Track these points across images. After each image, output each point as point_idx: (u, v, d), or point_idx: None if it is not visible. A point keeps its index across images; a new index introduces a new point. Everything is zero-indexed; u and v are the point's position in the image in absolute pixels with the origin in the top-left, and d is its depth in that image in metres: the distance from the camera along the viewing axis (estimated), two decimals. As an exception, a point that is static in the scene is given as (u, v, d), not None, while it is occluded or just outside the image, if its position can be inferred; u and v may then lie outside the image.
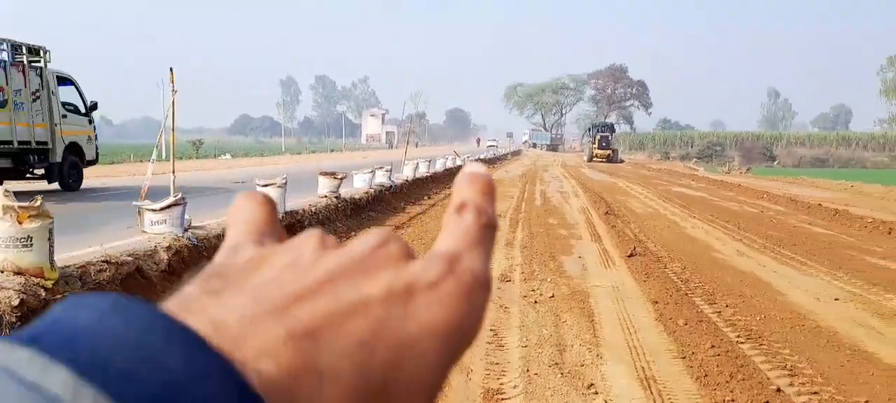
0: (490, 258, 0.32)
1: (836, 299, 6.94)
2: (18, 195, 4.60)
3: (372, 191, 14.32)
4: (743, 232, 11.98)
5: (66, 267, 5.13)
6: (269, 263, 0.29)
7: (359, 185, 14.33)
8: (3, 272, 4.49)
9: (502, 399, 4.26)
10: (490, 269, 0.31)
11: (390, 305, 0.27)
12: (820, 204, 16.51)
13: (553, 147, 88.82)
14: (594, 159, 52.56)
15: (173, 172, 7.26)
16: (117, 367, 0.20)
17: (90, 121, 14.97)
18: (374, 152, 64.59)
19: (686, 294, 7.02)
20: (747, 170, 45.05)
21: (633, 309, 6.37)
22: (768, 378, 4.52)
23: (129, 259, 5.59)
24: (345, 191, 12.82)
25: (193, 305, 0.25)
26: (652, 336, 5.54)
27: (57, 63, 13.77)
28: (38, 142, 12.85)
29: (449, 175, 25.08)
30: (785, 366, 4.80)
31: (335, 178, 12.34)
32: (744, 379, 4.46)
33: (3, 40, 12.24)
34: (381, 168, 16.03)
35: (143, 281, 5.65)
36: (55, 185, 13.62)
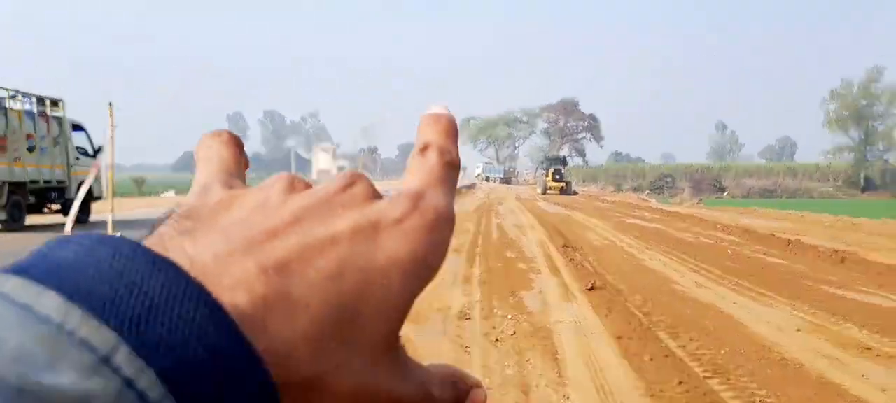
0: (453, 194, 0.34)
1: (798, 330, 6.87)
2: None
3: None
4: (700, 263, 11.98)
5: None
6: (239, 204, 0.31)
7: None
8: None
9: (465, 447, 4.00)
10: (452, 205, 0.33)
11: (357, 240, 0.28)
12: (773, 235, 16.72)
13: (506, 180, 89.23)
14: (548, 191, 53.04)
15: (112, 210, 6.87)
16: (102, 292, 0.21)
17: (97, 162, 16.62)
18: (329, 188, 63.82)
19: (649, 328, 6.87)
20: (699, 201, 45.90)
21: (596, 346, 6.19)
22: (739, 416, 4.36)
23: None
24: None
25: (169, 243, 0.26)
26: (618, 373, 5.35)
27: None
28: (57, 181, 14.90)
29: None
30: (754, 401, 4.66)
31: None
32: (715, 418, 4.29)
33: (31, 94, 14.23)
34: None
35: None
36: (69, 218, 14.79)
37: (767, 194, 71.48)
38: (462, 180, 72.83)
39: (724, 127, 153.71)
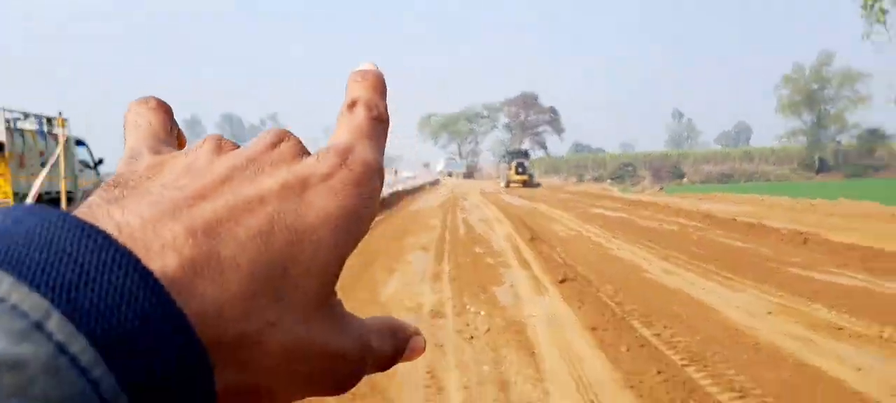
0: (381, 149, 0.35)
1: (769, 313, 6.92)
2: None
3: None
4: (667, 250, 12.06)
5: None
6: (167, 168, 0.31)
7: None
8: None
9: (447, 450, 3.91)
10: (381, 159, 0.34)
11: (286, 198, 0.29)
12: (735, 219, 16.95)
13: (468, 174, 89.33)
14: (511, 185, 53.31)
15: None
16: (32, 260, 0.22)
17: (97, 174, 18.40)
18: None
19: (622, 318, 6.85)
20: (660, 188, 46.43)
21: (572, 338, 6.14)
22: (720, 402, 4.34)
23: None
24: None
25: (97, 212, 0.26)
26: (595, 365, 5.30)
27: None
28: (68, 192, 15.49)
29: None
30: (733, 387, 4.64)
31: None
32: (696, 407, 4.26)
33: (40, 116, 15.56)
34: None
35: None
36: None
37: (725, 179, 72.68)
38: (426, 176, 73.04)
39: (681, 115, 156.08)
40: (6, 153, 14.24)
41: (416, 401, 4.59)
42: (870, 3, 26.66)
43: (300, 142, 0.33)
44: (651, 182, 59.53)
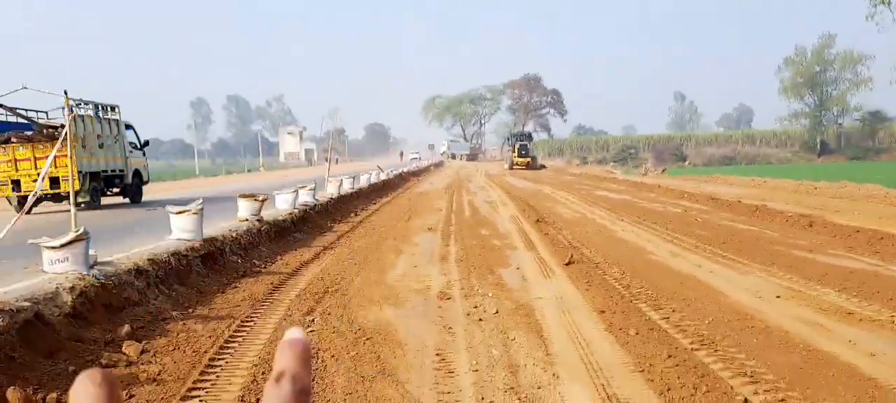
0: None
1: (778, 297, 6.89)
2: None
3: (296, 211, 13.73)
4: (672, 232, 12.03)
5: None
6: None
7: (282, 207, 13.72)
8: None
9: (459, 433, 3.89)
10: None
11: None
12: (739, 201, 16.89)
13: (472, 156, 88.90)
14: (515, 166, 53.36)
15: (73, 205, 6.57)
16: None
17: (144, 154, 20.70)
18: (294, 170, 63.26)
19: (630, 300, 6.83)
20: (663, 170, 46.31)
21: (580, 321, 6.12)
22: (732, 388, 4.32)
23: (27, 304, 4.94)
24: (267, 213, 12.22)
25: None
26: (605, 348, 5.29)
27: None
28: (119, 170, 18.52)
29: (374, 190, 24.61)
30: (745, 373, 4.62)
31: (256, 200, 11.74)
32: (708, 391, 4.24)
33: (99, 103, 17.92)
34: (303, 187, 15.46)
35: (45, 327, 5.00)
36: (126, 200, 19.33)
37: (727, 161, 72.51)
38: (432, 159, 72.96)
39: (683, 97, 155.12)
40: (74, 136, 14.83)
41: (426, 384, 4.58)
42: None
43: None
44: (654, 164, 59.38)
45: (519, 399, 4.28)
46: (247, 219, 11.33)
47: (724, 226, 12.87)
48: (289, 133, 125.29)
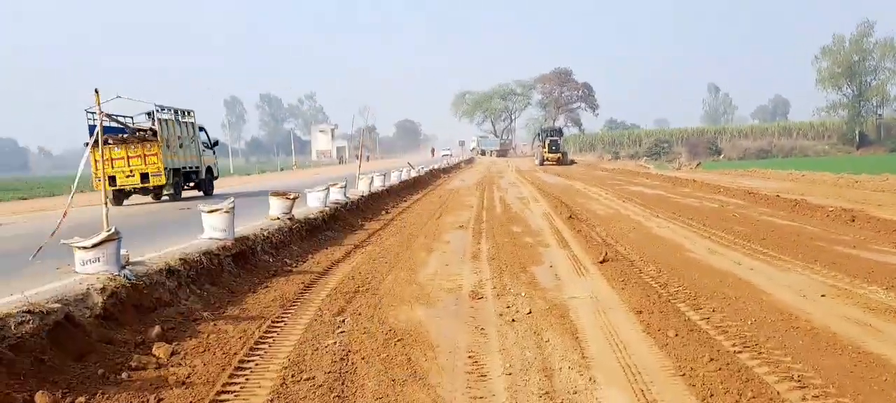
0: None
1: (823, 295, 6.64)
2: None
3: (327, 209, 13.71)
4: (709, 228, 11.74)
5: (-19, 321, 4.49)
6: None
7: (313, 205, 13.71)
8: None
9: (493, 440, 3.77)
10: None
11: None
12: (778, 196, 16.48)
13: (502, 152, 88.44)
14: (545, 162, 53.10)
15: (105, 203, 6.58)
16: None
17: (214, 153, 23.44)
18: (326, 168, 63.60)
19: (668, 300, 6.63)
20: (697, 164, 45.63)
21: (617, 322, 5.95)
22: (779, 394, 4.12)
23: (57, 305, 4.92)
24: (298, 212, 12.20)
25: None
26: (643, 351, 5.11)
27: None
28: (195, 168, 21.24)
29: (405, 187, 24.56)
30: (792, 377, 4.41)
31: (287, 199, 11.72)
32: (754, 397, 4.04)
33: (178, 109, 20.32)
34: (334, 185, 15.44)
35: (75, 329, 4.98)
36: (201, 194, 21.60)
37: (763, 155, 71.20)
38: (461, 154, 73.25)
39: (717, 89, 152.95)
40: (159, 138, 18.59)
41: (458, 388, 4.46)
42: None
43: None
44: (687, 158, 58.51)
45: (555, 404, 4.14)
46: (278, 218, 11.32)
47: (762, 222, 12.54)
48: (321, 131, 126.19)
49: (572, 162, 56.53)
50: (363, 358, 5.07)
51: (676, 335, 5.38)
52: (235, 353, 5.22)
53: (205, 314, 6.46)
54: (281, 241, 10.28)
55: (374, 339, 5.56)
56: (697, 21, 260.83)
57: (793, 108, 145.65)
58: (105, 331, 5.26)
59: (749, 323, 5.75)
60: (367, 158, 78.92)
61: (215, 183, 23.32)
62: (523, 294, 7.12)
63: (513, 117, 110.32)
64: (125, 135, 18.60)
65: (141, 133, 18.64)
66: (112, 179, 18.35)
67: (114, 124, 18.25)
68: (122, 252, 6.45)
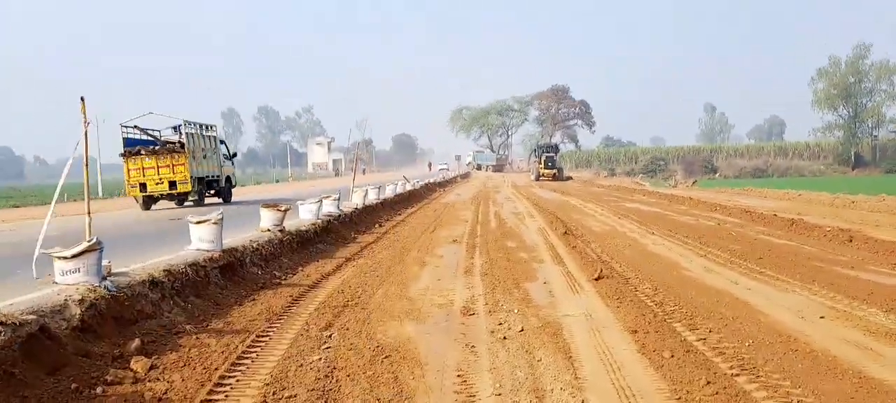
0: None
1: (822, 317, 6.48)
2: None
3: (319, 221, 13.54)
4: (705, 247, 11.60)
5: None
6: None
7: (305, 217, 13.54)
8: None
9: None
10: None
11: None
12: (775, 215, 16.37)
13: (499, 168, 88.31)
14: (541, 178, 53.02)
15: (88, 213, 6.41)
16: None
17: (232, 164, 26.01)
18: (321, 180, 63.40)
19: (664, 319, 6.47)
20: (693, 182, 45.58)
21: (611, 342, 5.78)
22: (778, 419, 3.96)
23: (32, 317, 4.74)
24: (290, 224, 12.03)
25: None
26: (638, 372, 4.95)
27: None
28: (215, 177, 23.46)
29: (400, 201, 24.39)
30: (791, 402, 4.26)
31: (278, 210, 11.55)
32: (753, 423, 3.89)
33: (202, 123, 22.76)
34: (328, 197, 15.27)
35: (50, 342, 4.80)
36: (220, 201, 23.64)
37: (759, 174, 71.25)
38: (458, 168, 73.35)
39: (713, 108, 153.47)
40: (186, 150, 20.81)
41: (446, 409, 4.29)
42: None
43: None
44: (683, 176, 58.52)
45: (545, 427, 3.97)
46: (269, 230, 11.15)
47: (759, 241, 12.40)
48: (317, 143, 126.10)
49: (568, 178, 56.45)
50: (348, 376, 4.89)
51: (672, 356, 5.22)
52: (216, 368, 5.04)
53: (188, 327, 6.28)
54: (271, 253, 10.10)
55: (361, 356, 5.39)
56: (694, 39, 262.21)
57: (788, 129, 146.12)
58: (82, 344, 5.08)
59: (747, 344, 5.60)
60: (363, 171, 78.95)
61: (233, 191, 25.80)
62: (516, 310, 6.96)
63: (509, 133, 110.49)
64: (156, 147, 21.17)
65: (170, 145, 21.12)
66: (143, 186, 20.86)
67: (145, 137, 21.50)
68: (104, 262, 6.28)
